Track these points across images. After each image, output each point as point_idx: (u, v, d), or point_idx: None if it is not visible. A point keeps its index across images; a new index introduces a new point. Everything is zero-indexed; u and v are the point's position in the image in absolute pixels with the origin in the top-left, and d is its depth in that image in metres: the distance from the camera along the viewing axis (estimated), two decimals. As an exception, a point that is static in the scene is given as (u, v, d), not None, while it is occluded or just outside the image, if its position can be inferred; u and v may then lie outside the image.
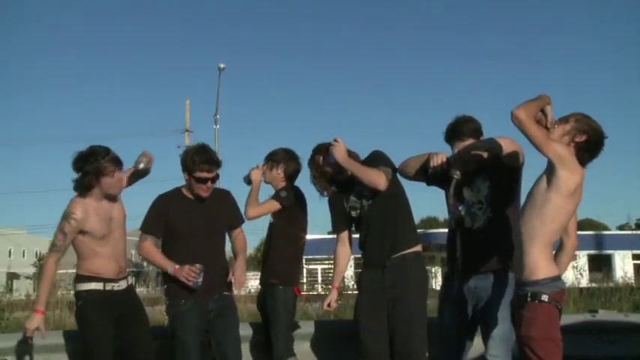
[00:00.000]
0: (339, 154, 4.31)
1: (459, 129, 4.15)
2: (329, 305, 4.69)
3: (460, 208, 4.19)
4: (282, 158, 5.00)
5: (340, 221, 4.64)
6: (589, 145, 3.42)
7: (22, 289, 30.04)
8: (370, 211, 4.46)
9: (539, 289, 3.31)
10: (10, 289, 32.37)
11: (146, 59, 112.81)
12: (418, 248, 4.44)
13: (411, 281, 4.31)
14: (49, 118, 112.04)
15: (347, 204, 4.56)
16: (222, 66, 33.55)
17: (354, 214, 4.54)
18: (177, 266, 4.31)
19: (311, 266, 35.60)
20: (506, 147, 3.96)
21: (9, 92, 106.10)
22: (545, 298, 3.30)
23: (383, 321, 4.29)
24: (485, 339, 4.05)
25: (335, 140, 4.35)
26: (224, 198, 4.70)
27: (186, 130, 35.46)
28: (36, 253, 69.02)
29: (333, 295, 4.71)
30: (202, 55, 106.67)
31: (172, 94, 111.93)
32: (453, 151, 4.17)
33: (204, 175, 4.37)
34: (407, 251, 4.36)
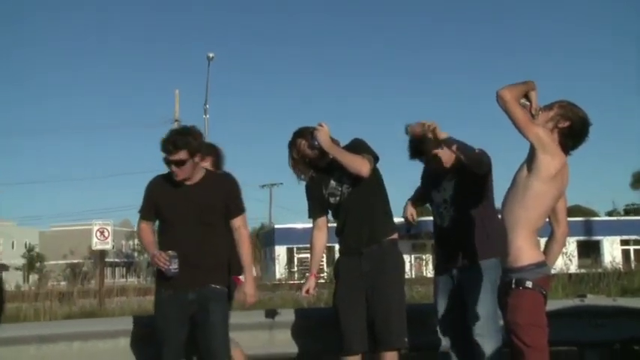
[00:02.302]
0: (323, 138, 4.33)
1: (428, 145, 4.27)
2: (307, 292, 4.64)
3: (433, 208, 4.51)
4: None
5: (317, 207, 4.62)
6: (572, 131, 3.43)
7: (12, 280, 29.95)
8: (349, 198, 4.46)
9: (524, 275, 3.33)
10: (-1, 280, 32.27)
11: (135, 50, 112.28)
12: (395, 236, 4.49)
13: (388, 269, 4.36)
14: (37, 110, 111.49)
15: (326, 190, 4.54)
16: (211, 56, 33.48)
17: (332, 200, 4.53)
18: (156, 252, 4.22)
19: (302, 255, 35.70)
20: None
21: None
22: (529, 284, 3.32)
23: (362, 306, 4.34)
24: (470, 323, 4.24)
25: (319, 125, 4.37)
26: (222, 184, 4.40)
27: (176, 121, 35.27)
28: (25, 244, 68.93)
29: (311, 282, 4.62)
30: (191, 46, 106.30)
31: (162, 85, 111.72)
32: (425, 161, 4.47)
33: (167, 157, 4.21)
34: (384, 239, 4.42)
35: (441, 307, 4.44)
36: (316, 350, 5.05)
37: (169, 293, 4.23)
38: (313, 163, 4.54)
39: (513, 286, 3.35)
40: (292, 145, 4.53)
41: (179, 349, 4.25)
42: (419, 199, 4.75)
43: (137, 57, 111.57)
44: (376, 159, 4.45)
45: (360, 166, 4.30)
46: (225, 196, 4.35)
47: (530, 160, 3.36)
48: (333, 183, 4.51)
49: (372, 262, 4.36)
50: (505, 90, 3.29)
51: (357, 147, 4.45)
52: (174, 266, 4.13)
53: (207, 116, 34.74)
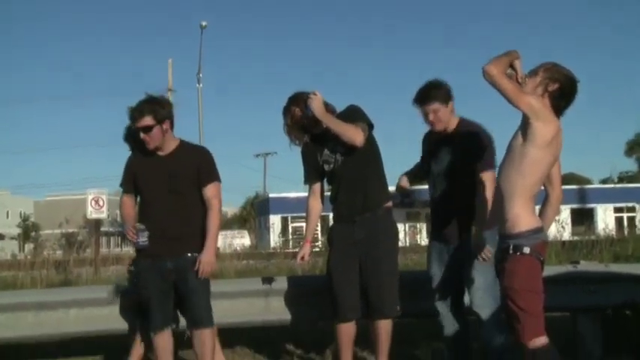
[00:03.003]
0: (317, 106, 4.32)
1: (428, 93, 4.36)
2: (302, 259, 4.70)
3: (429, 178, 4.54)
4: None
5: (312, 173, 4.63)
6: (563, 92, 3.42)
7: (8, 249, 30.00)
8: (343, 166, 4.47)
9: (521, 241, 3.36)
10: (-5, 249, 32.31)
11: (128, 19, 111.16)
12: (389, 204, 4.53)
13: (381, 237, 4.40)
14: (30, 78, 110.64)
15: (320, 157, 4.54)
16: (204, 24, 33.21)
17: (327, 167, 4.54)
18: (128, 225, 4.33)
19: (296, 224, 35.80)
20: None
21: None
22: (526, 250, 3.35)
23: (355, 274, 4.40)
24: (469, 291, 4.33)
25: (313, 93, 4.36)
26: (195, 154, 4.44)
27: (169, 90, 35.11)
28: (20, 213, 68.87)
29: (306, 249, 4.67)
30: (184, 14, 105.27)
31: (155, 54, 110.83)
32: (420, 111, 4.40)
33: (135, 125, 4.28)
34: (378, 208, 4.45)
35: (436, 275, 4.49)
36: (311, 317, 5.10)
37: (147, 262, 4.32)
38: (308, 129, 4.54)
39: (511, 251, 3.37)
40: (286, 111, 4.53)
41: (166, 316, 4.36)
42: (415, 174, 4.75)
43: (130, 26, 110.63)
44: (371, 127, 4.45)
45: (353, 135, 4.30)
46: (196, 165, 4.36)
47: (525, 128, 3.35)
48: (327, 151, 4.51)
49: (365, 229, 4.39)
50: (490, 65, 3.28)
51: (352, 115, 4.44)
52: (141, 239, 4.25)
53: (201, 85, 34.64)
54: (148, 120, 4.22)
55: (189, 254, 4.26)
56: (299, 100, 4.47)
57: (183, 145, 4.44)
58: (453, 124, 4.42)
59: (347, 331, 4.44)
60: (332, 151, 4.49)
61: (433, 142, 4.51)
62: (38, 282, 9.46)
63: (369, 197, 4.43)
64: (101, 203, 14.98)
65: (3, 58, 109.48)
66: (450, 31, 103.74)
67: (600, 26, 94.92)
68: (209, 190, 4.34)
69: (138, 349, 4.66)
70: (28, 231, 57.52)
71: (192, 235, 4.29)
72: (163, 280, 4.29)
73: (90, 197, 14.96)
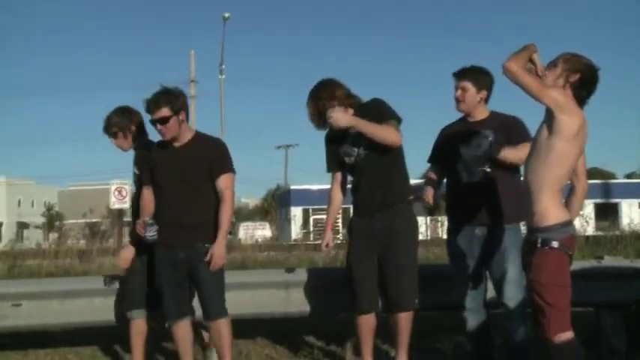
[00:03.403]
0: (342, 121, 4.28)
1: (465, 70, 4.39)
2: (327, 245, 4.72)
3: (458, 165, 4.42)
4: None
5: (334, 161, 4.63)
6: (584, 81, 3.39)
7: (32, 238, 30.35)
8: (366, 160, 4.44)
9: (550, 235, 3.33)
10: (20, 237, 32.76)
11: (151, 10, 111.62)
12: (409, 198, 4.49)
13: (400, 230, 4.38)
14: (56, 69, 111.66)
15: (341, 149, 4.52)
16: (226, 15, 33.31)
17: (347, 160, 4.52)
18: (139, 220, 4.40)
19: (318, 216, 35.77)
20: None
21: (11, 43, 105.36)
22: (555, 244, 3.32)
23: (374, 266, 4.39)
24: (499, 283, 4.29)
25: (328, 116, 4.29)
26: (209, 145, 4.43)
27: (192, 81, 35.29)
28: (44, 203, 69.59)
29: (328, 235, 4.71)
30: (207, 6, 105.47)
31: (178, 46, 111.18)
32: (455, 84, 4.40)
33: (151, 117, 4.30)
34: (397, 204, 4.41)
35: (464, 267, 4.42)
36: (332, 309, 5.10)
37: (162, 253, 4.36)
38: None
39: (539, 245, 3.34)
40: (310, 101, 4.45)
41: (180, 307, 4.37)
42: (439, 180, 4.65)
43: (153, 17, 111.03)
44: (399, 121, 4.41)
45: (393, 139, 4.29)
46: (210, 156, 4.35)
47: (550, 121, 3.32)
48: (348, 143, 4.47)
49: (384, 223, 4.37)
50: (510, 61, 3.25)
51: (380, 112, 4.38)
52: (149, 233, 4.30)
53: (223, 77, 34.77)
54: (164, 111, 4.23)
55: (200, 244, 4.26)
56: (322, 95, 4.40)
57: (198, 137, 4.45)
58: (481, 114, 4.40)
59: (367, 323, 4.43)
60: (354, 145, 4.45)
61: (463, 130, 4.44)
62: (62, 270, 9.59)
63: (389, 193, 4.40)
64: (124, 193, 15.12)
65: (28, 49, 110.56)
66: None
67: (625, 17, 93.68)
68: (222, 182, 4.33)
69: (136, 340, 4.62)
70: (52, 220, 58.12)
71: (205, 225, 4.29)
72: (176, 270, 4.31)
73: (113, 187, 15.11)
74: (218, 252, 4.20)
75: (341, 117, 4.29)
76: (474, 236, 4.36)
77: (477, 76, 4.36)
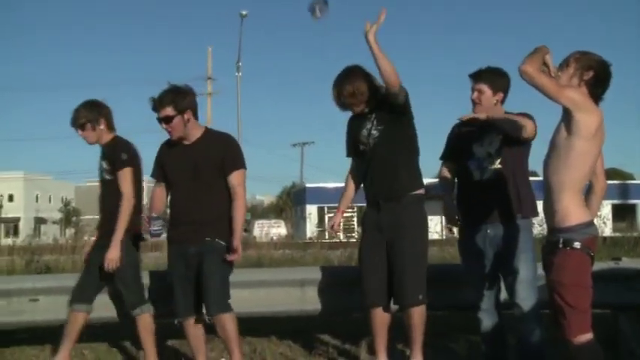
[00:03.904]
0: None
1: (481, 73, 4.37)
2: (332, 227, 4.85)
3: (472, 162, 4.40)
4: None
5: (352, 147, 4.65)
6: (598, 78, 3.38)
7: (50, 233, 30.62)
8: (375, 149, 4.45)
9: (572, 235, 3.31)
10: (38, 233, 33.03)
11: (168, 7, 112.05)
12: (419, 192, 4.46)
13: (406, 224, 4.36)
14: (74, 65, 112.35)
15: (357, 136, 4.54)
16: (244, 13, 33.35)
17: (361, 147, 4.53)
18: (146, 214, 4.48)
19: (333, 214, 35.82)
20: (528, 130, 4.18)
21: (31, 38, 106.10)
22: (577, 245, 3.30)
23: (383, 260, 4.40)
24: (511, 284, 4.25)
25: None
26: (220, 142, 4.43)
27: (209, 78, 35.42)
28: (62, 198, 70.18)
29: (337, 217, 4.83)
30: (224, 3, 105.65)
31: (195, 42, 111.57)
32: (472, 86, 4.37)
33: (157, 116, 4.32)
34: (404, 196, 4.39)
35: (477, 268, 4.39)
36: (347, 307, 5.09)
37: (174, 247, 4.40)
38: (352, 109, 4.49)
39: (560, 245, 3.33)
40: (335, 89, 4.39)
41: (188, 304, 4.38)
42: (452, 159, 4.62)
43: (170, 14, 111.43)
44: (406, 95, 4.33)
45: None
46: (221, 153, 4.34)
47: (568, 121, 3.31)
48: (364, 132, 4.48)
49: (390, 216, 4.38)
50: (526, 64, 3.24)
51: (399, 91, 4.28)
52: (154, 228, 4.36)
53: (240, 74, 34.80)
54: (168, 110, 4.25)
55: (209, 239, 4.27)
56: (344, 82, 4.35)
57: (209, 133, 4.45)
58: (499, 114, 4.34)
59: (378, 318, 4.44)
60: (368, 135, 4.46)
61: (476, 128, 4.39)
62: (79, 266, 9.64)
63: (394, 185, 4.40)
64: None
65: (47, 45, 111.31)
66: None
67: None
68: (234, 178, 4.33)
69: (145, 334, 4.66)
70: (69, 216, 58.58)
71: (216, 221, 4.29)
72: (187, 266, 4.33)
73: (130, 184, 15.15)
74: (235, 250, 4.21)
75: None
76: (486, 235, 4.33)
77: (494, 78, 4.34)
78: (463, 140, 4.49)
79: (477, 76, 4.37)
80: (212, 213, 4.30)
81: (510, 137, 4.20)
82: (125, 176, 4.55)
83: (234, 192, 4.31)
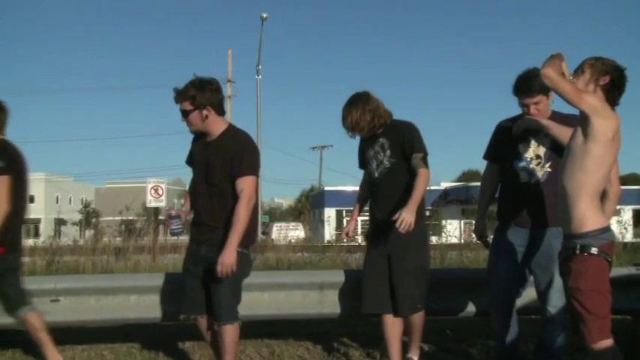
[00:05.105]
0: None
1: (530, 84, 4.18)
2: (347, 234, 5.06)
3: (520, 164, 4.31)
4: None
5: (364, 163, 4.81)
6: (614, 83, 3.40)
7: (70, 234, 30.83)
8: (384, 177, 4.62)
9: (589, 241, 3.30)
10: (58, 234, 33.26)
11: (189, 9, 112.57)
12: (419, 211, 4.48)
13: (407, 241, 4.42)
14: (95, 68, 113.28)
15: (370, 151, 4.69)
16: (264, 16, 33.40)
17: (370, 169, 4.73)
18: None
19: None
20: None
21: (51, 40, 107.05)
22: (594, 250, 3.29)
23: (385, 270, 4.54)
24: (545, 290, 4.22)
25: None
26: (233, 144, 4.21)
27: (229, 81, 35.52)
28: (82, 200, 70.69)
29: (351, 225, 5.03)
30: (245, 5, 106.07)
31: (215, 45, 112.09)
32: (520, 102, 4.25)
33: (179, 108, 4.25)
34: None
35: (507, 268, 4.34)
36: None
37: (191, 246, 4.36)
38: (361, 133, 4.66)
39: (578, 251, 3.32)
40: (344, 113, 4.58)
41: (194, 302, 4.30)
42: (496, 159, 4.54)
43: (191, 16, 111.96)
44: (426, 154, 4.52)
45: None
46: (230, 156, 4.16)
47: (585, 125, 3.31)
48: (375, 160, 4.65)
49: (392, 234, 4.45)
50: (548, 68, 3.27)
51: (412, 142, 4.50)
52: (172, 226, 4.29)
53: (260, 77, 34.87)
54: (186, 105, 4.17)
55: (219, 246, 4.06)
56: (351, 108, 4.53)
57: (227, 133, 4.27)
58: (547, 115, 4.28)
59: (389, 324, 4.55)
60: (379, 163, 4.62)
61: (522, 125, 4.30)
62: (99, 268, 9.73)
63: (398, 208, 4.39)
64: (160, 192, 15.27)
65: (68, 47, 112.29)
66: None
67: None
68: (239, 184, 4.12)
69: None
70: (88, 217, 58.95)
71: (226, 227, 4.09)
72: (197, 266, 4.25)
73: (149, 186, 15.27)
74: (226, 260, 3.98)
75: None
76: (528, 238, 4.26)
77: (540, 83, 3.89)
78: (508, 140, 4.39)
79: (529, 90, 4.17)
80: (222, 218, 4.15)
81: (562, 145, 4.06)
82: (0, 184, 4.31)
83: (241, 197, 4.09)
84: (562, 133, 4.04)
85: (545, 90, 4.12)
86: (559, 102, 3.49)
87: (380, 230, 4.58)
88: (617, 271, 5.03)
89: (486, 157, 4.63)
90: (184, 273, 4.39)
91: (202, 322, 4.34)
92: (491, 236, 4.59)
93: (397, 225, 4.20)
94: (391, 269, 4.51)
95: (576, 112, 3.37)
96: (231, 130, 4.31)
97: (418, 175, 4.41)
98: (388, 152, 4.57)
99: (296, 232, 36.41)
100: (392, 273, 4.51)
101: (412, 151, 4.48)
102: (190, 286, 4.31)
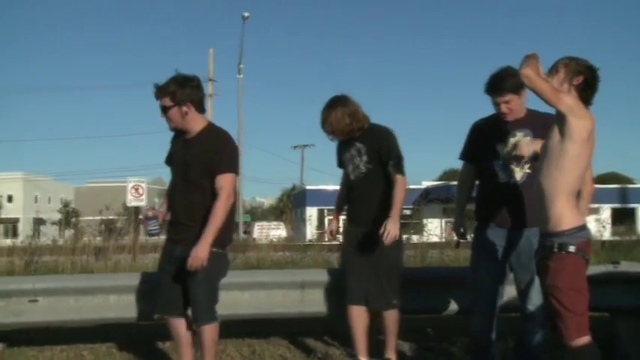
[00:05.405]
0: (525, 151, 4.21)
1: (500, 83, 4.21)
2: (332, 233, 5.11)
3: (499, 164, 4.32)
4: None
5: (341, 164, 4.92)
6: (587, 83, 3.44)
7: (49, 234, 30.57)
8: (360, 182, 4.72)
9: (566, 239, 3.34)
10: (37, 233, 32.96)
11: (170, 8, 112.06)
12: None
13: (381, 241, 4.48)
14: (75, 67, 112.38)
15: (347, 154, 4.79)
16: (246, 15, 33.39)
17: (346, 171, 4.83)
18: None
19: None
20: None
21: (25, 40, 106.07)
22: (572, 249, 3.33)
23: (361, 266, 4.64)
24: (526, 289, 4.25)
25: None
26: (211, 141, 4.18)
27: (210, 80, 35.42)
28: (61, 199, 70.12)
29: (334, 223, 5.10)
30: (226, 4, 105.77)
31: (196, 44, 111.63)
32: (492, 100, 4.27)
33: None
34: (381, 219, 4.52)
35: (488, 268, 4.35)
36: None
37: (166, 245, 4.33)
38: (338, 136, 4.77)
39: (556, 250, 3.35)
40: (323, 116, 4.67)
41: (169, 302, 4.25)
42: (473, 159, 4.55)
43: (172, 15, 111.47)
44: (400, 159, 4.65)
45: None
46: (209, 154, 4.12)
47: (561, 125, 3.35)
48: (352, 163, 4.75)
49: (368, 234, 4.60)
50: (527, 69, 3.29)
51: (388, 149, 4.62)
52: (149, 227, 4.29)
53: (241, 76, 34.92)
54: (165, 101, 4.15)
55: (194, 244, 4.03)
56: (331, 110, 4.62)
57: (206, 130, 4.24)
58: (522, 113, 4.30)
59: (357, 315, 4.66)
60: (355, 167, 4.73)
61: (499, 128, 4.31)
62: (79, 267, 9.65)
63: (373, 212, 4.62)
64: (140, 191, 15.16)
65: (46, 46, 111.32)
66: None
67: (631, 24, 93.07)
68: (218, 181, 4.08)
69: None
70: (68, 217, 58.51)
71: (203, 226, 4.04)
72: (172, 265, 4.19)
73: (130, 185, 15.16)
74: (197, 254, 3.96)
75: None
76: (508, 238, 4.28)
77: (513, 81, 4.10)
78: (486, 140, 4.40)
79: (499, 89, 4.19)
80: (199, 217, 4.08)
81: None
82: None
83: (219, 194, 4.05)
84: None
85: (516, 89, 4.16)
86: (534, 100, 3.51)
87: (355, 230, 4.73)
88: (595, 269, 5.09)
89: (462, 157, 4.64)
90: (160, 272, 4.36)
91: (174, 322, 4.28)
92: (471, 235, 4.62)
93: (383, 238, 4.36)
94: (366, 266, 4.60)
95: (553, 110, 3.40)
96: (211, 127, 4.29)
97: (396, 184, 4.55)
98: (365, 157, 4.66)
99: (277, 231, 36.37)
100: (367, 269, 4.60)
101: (389, 157, 4.60)
102: (166, 285, 4.27)
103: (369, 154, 4.64)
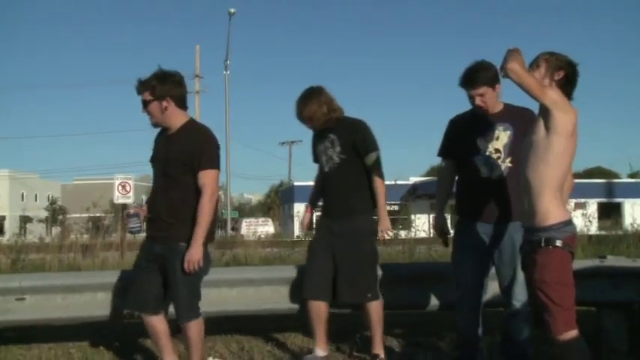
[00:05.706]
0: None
1: (474, 76, 4.23)
2: (306, 227, 5.12)
3: (481, 159, 4.32)
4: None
5: (316, 158, 4.97)
6: (568, 78, 3.47)
7: (36, 232, 30.41)
8: (333, 173, 4.76)
9: (553, 234, 3.35)
10: (24, 231, 32.79)
11: (156, 5, 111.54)
12: (369, 208, 4.74)
13: (355, 233, 4.62)
14: (61, 64, 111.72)
15: (320, 146, 4.84)
16: (232, 11, 33.32)
17: (320, 164, 4.89)
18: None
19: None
20: None
21: (15, 37, 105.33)
22: (559, 243, 3.35)
23: (329, 261, 4.66)
24: (510, 284, 4.26)
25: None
26: (193, 138, 4.16)
27: (196, 76, 35.33)
28: (48, 197, 69.72)
29: (306, 217, 5.10)
30: (212, 0, 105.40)
31: (183, 40, 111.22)
32: (467, 94, 4.28)
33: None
34: (357, 214, 4.66)
35: (470, 264, 4.37)
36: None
37: (144, 242, 4.31)
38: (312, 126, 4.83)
39: (542, 244, 3.37)
40: (300, 106, 4.73)
41: (142, 299, 4.22)
42: (452, 155, 4.57)
43: (158, 12, 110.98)
44: (377, 150, 4.72)
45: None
46: (190, 150, 4.10)
47: (547, 119, 3.37)
48: (325, 154, 4.79)
49: (342, 227, 4.66)
50: (513, 63, 3.31)
51: (364, 142, 4.68)
52: (130, 225, 4.27)
53: (228, 72, 34.85)
54: (145, 95, 4.14)
55: (180, 243, 4.05)
56: (303, 101, 4.69)
57: (188, 126, 4.22)
58: (498, 107, 4.32)
59: (321, 310, 4.71)
60: (329, 159, 4.76)
61: (478, 122, 4.34)
62: (66, 265, 9.59)
63: (348, 204, 4.69)
64: (128, 188, 15.12)
65: (32, 44, 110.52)
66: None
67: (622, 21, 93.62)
68: (201, 178, 4.07)
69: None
70: (55, 214, 58.18)
71: (183, 222, 4.06)
72: (150, 262, 4.18)
73: (117, 182, 15.11)
74: (192, 256, 3.99)
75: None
76: (490, 233, 4.29)
77: (487, 75, 4.19)
78: (464, 135, 4.41)
79: (473, 82, 4.22)
80: (180, 213, 4.08)
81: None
82: None
83: (203, 191, 4.05)
84: None
85: (491, 82, 4.20)
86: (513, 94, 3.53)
87: (328, 222, 4.76)
88: (582, 264, 5.12)
89: (441, 154, 4.65)
90: (135, 269, 4.34)
91: (148, 319, 4.24)
92: (452, 231, 4.63)
93: (379, 236, 4.58)
94: (337, 259, 4.63)
95: (530, 105, 3.42)
96: (192, 124, 4.28)
97: (375, 182, 4.65)
98: (338, 149, 4.68)
99: (265, 227, 36.35)
100: (337, 262, 4.63)
101: (366, 150, 4.64)
102: (140, 282, 4.24)
103: (343, 145, 4.68)
